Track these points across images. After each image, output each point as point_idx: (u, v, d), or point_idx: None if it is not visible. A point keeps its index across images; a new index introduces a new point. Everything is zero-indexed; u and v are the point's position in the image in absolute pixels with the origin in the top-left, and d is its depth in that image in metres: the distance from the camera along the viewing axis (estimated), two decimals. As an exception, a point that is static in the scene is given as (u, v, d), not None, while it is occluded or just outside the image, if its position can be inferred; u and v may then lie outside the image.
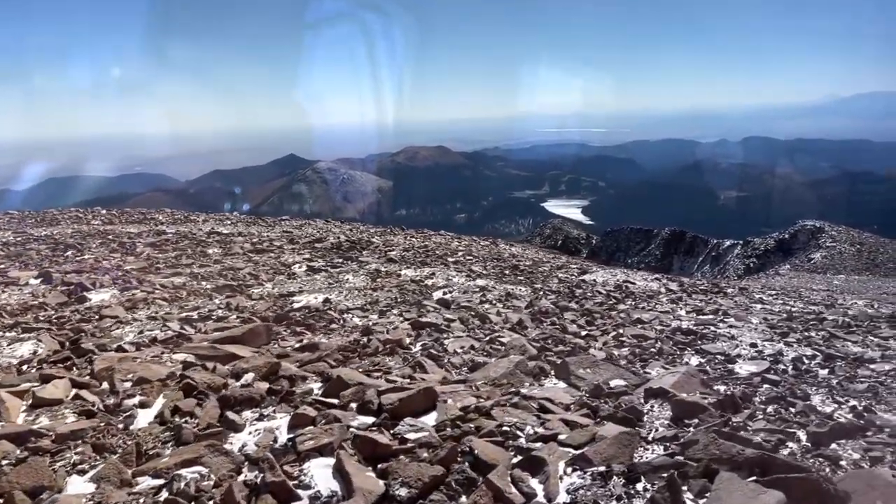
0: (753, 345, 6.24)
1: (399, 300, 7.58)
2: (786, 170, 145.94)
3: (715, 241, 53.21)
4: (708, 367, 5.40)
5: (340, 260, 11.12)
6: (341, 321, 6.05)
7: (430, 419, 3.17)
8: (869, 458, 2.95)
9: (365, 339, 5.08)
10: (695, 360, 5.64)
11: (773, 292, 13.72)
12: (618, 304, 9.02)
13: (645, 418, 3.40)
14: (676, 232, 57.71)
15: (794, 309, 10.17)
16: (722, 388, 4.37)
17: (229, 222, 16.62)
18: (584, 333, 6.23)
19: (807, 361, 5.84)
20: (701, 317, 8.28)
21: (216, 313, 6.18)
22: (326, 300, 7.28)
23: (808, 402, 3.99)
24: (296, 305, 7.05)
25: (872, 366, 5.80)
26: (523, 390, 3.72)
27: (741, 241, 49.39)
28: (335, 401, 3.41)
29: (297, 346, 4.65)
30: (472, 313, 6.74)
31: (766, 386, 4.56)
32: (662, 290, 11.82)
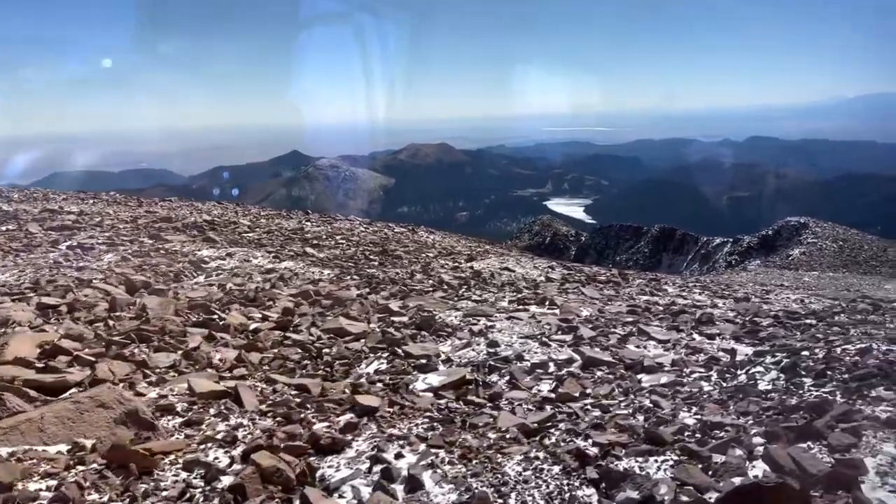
0: (494, 344, 4.40)
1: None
2: (789, 170, 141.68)
3: (705, 239, 51.29)
4: (369, 378, 3.56)
5: (144, 239, 9.49)
6: None
7: None
8: None
9: None
10: (375, 366, 3.79)
11: (692, 285, 11.82)
12: (435, 291, 7.36)
13: None
14: (666, 230, 55.70)
15: (681, 303, 8.36)
16: (265, 421, 2.53)
17: (92, 202, 15.00)
18: (252, 327, 4.39)
19: (553, 368, 4.00)
20: (509, 306, 6.49)
21: None
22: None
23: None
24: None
25: (646, 376, 3.95)
26: None
27: (731, 239, 47.51)
28: None
29: None
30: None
31: (347, 416, 2.71)
32: (541, 278, 10.11)
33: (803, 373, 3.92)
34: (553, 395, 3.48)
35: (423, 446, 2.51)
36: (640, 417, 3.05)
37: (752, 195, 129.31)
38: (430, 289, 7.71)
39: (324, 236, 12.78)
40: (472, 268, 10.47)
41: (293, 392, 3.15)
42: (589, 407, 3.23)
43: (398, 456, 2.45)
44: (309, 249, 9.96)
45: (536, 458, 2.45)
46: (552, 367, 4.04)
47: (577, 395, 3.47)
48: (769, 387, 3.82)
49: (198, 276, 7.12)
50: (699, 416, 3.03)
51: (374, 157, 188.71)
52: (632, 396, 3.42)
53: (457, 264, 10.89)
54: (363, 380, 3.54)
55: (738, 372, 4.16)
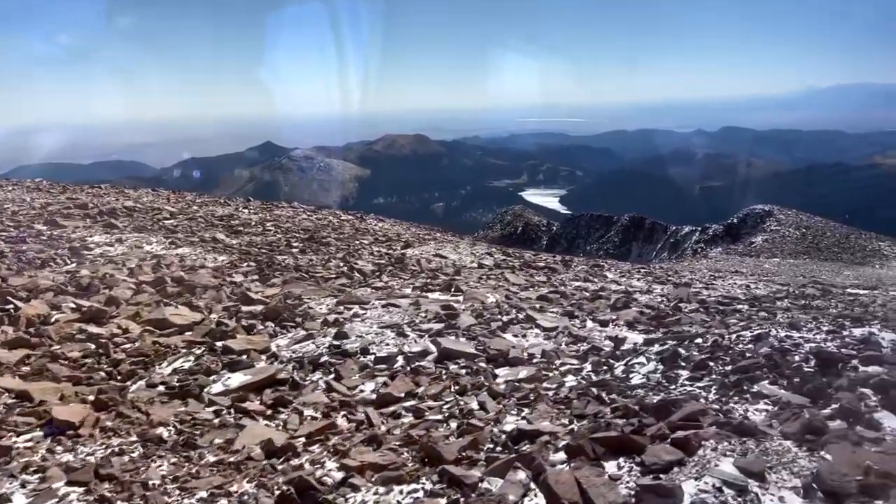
0: (342, 336, 3.81)
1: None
2: (760, 160, 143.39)
3: (674, 228, 51.36)
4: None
5: (38, 225, 9.01)
6: None
7: None
8: None
9: None
10: (178, 365, 3.14)
11: (634, 271, 11.36)
12: (338, 279, 6.89)
13: None
14: (636, 218, 55.63)
15: (612, 289, 7.90)
16: None
17: (11, 188, 14.26)
18: (53, 318, 3.70)
19: (400, 362, 3.40)
20: (411, 293, 5.94)
21: None
22: None
23: None
24: None
25: (506, 370, 3.37)
26: None
27: (699, 228, 47.58)
28: None
29: None
30: None
31: (31, 435, 2.05)
32: (473, 264, 9.66)
33: (682, 364, 3.37)
34: (374, 397, 2.87)
35: (60, 483, 1.89)
36: (453, 424, 2.46)
37: (724, 185, 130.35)
38: (335, 276, 7.10)
39: (253, 223, 12.12)
40: (403, 255, 9.92)
41: (10, 400, 2.51)
42: (402, 411, 2.64)
43: (3, 500, 1.81)
44: (220, 236, 9.27)
45: (228, 493, 1.84)
46: (399, 362, 3.45)
47: (401, 395, 2.88)
48: (642, 381, 3.27)
49: (70, 264, 6.42)
50: (523, 422, 2.45)
51: (349, 148, 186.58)
52: (464, 396, 2.82)
53: (389, 251, 10.34)
54: (142, 382, 2.89)
55: (616, 363, 3.60)
